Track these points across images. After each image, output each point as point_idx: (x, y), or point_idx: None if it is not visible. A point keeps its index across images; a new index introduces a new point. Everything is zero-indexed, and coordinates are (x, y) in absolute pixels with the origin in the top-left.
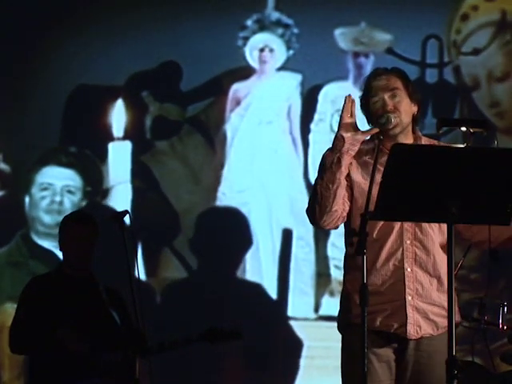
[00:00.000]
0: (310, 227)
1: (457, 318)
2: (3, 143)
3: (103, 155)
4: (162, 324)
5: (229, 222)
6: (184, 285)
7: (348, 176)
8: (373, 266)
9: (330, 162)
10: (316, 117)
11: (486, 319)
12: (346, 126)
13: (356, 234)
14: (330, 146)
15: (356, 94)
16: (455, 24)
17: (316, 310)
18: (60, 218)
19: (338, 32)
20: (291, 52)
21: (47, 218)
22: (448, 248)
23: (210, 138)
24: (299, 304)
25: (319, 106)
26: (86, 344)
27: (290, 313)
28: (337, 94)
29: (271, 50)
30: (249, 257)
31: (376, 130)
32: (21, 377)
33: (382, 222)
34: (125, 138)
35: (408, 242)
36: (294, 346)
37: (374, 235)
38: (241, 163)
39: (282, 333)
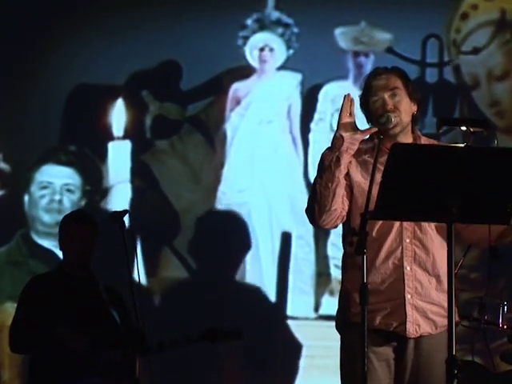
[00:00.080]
0: (310, 227)
1: (456, 317)
2: (3, 143)
3: (103, 154)
4: (161, 323)
5: (229, 221)
6: (184, 284)
7: (347, 175)
8: (372, 264)
9: (329, 161)
10: (316, 116)
11: (485, 319)
12: (344, 125)
13: (356, 233)
14: (330, 145)
15: (356, 94)
16: (455, 23)
17: (316, 309)
18: (60, 217)
19: (338, 31)
20: (291, 51)
21: (47, 217)
22: (448, 248)
23: (210, 137)
24: (299, 303)
25: (319, 106)
26: (86, 343)
27: (290, 312)
28: (337, 94)
29: (271, 50)
30: (249, 256)
31: (375, 130)
32: (20, 376)
33: (381, 221)
34: (125, 137)
35: (407, 240)
36: (294, 346)
37: (374, 234)
38: (241, 162)
39: (282, 333)
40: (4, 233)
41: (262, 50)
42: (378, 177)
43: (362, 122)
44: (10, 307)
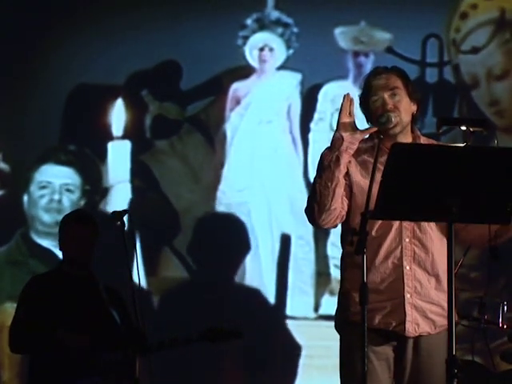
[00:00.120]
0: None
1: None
2: (3, 143)
3: (103, 154)
4: (161, 323)
5: (228, 221)
6: (184, 284)
7: (347, 174)
8: (371, 263)
9: (329, 160)
10: (316, 116)
11: (485, 318)
12: (344, 124)
13: (356, 233)
14: (329, 144)
15: (356, 93)
16: (454, 22)
17: (316, 309)
18: (59, 217)
19: (337, 31)
20: (291, 51)
21: (46, 217)
22: (448, 247)
23: (210, 137)
24: (299, 303)
25: (319, 105)
26: (86, 343)
27: (289, 312)
28: (337, 93)
29: (271, 49)
30: (248, 256)
31: (374, 129)
32: (19, 376)
33: (380, 221)
34: (125, 137)
35: (407, 240)
36: (294, 346)
37: (373, 233)
38: (241, 162)
39: (282, 332)
40: (3, 232)
41: (261, 49)
42: (378, 176)
43: (361, 122)
44: (10, 307)
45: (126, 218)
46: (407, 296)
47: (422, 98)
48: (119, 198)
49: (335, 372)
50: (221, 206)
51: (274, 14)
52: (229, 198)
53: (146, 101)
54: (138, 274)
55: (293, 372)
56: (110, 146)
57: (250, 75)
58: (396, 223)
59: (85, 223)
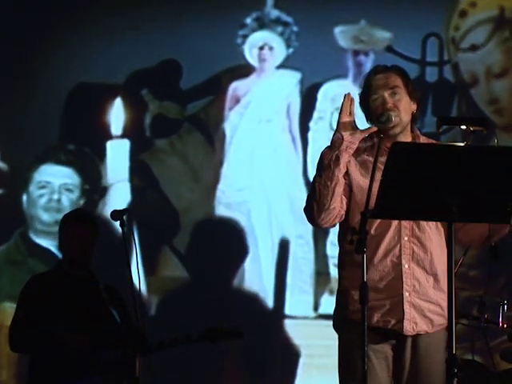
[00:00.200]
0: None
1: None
2: (2, 142)
3: (102, 153)
4: (161, 323)
5: (228, 221)
6: (183, 283)
7: (346, 174)
8: (370, 261)
9: (329, 159)
10: (315, 115)
11: (485, 317)
12: (344, 124)
13: (356, 232)
14: (329, 144)
15: (355, 92)
16: (453, 21)
17: (315, 308)
18: (58, 216)
19: (337, 30)
20: (291, 50)
21: (45, 216)
22: (448, 247)
23: (210, 136)
24: (298, 303)
25: (319, 104)
26: (86, 343)
27: (289, 312)
28: (336, 92)
29: (271, 48)
30: (248, 255)
31: (374, 129)
32: (17, 376)
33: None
34: (124, 136)
35: (406, 238)
36: (294, 345)
37: (372, 231)
38: (240, 161)
39: (282, 332)
40: (3, 232)
41: (261, 48)
42: (378, 176)
43: (361, 121)
44: (9, 307)
45: (125, 218)
46: (406, 294)
47: (422, 98)
48: (118, 197)
49: (335, 371)
50: (220, 206)
51: (274, 13)
52: (228, 197)
53: (145, 100)
54: (138, 273)
55: (293, 371)
56: (109, 145)
57: (249, 74)
58: (395, 222)
59: (85, 222)
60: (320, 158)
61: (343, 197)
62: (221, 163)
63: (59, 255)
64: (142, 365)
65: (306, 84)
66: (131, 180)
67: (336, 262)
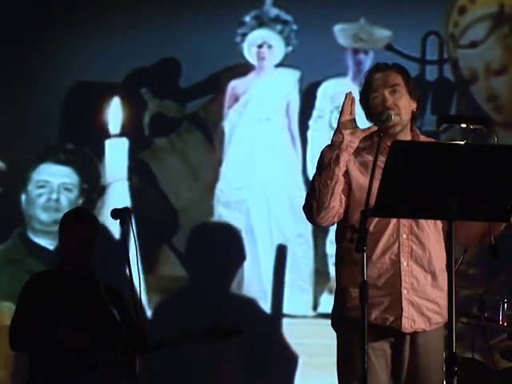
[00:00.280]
0: (309, 224)
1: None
2: (1, 142)
3: (101, 152)
4: (160, 322)
5: (227, 219)
6: (182, 282)
7: (346, 172)
8: (369, 259)
9: (329, 158)
10: (315, 113)
11: (485, 316)
12: (345, 123)
13: (356, 230)
14: (329, 142)
15: (355, 91)
16: (453, 17)
17: (315, 307)
18: (57, 216)
19: (337, 28)
20: (290, 48)
21: (44, 216)
22: (448, 245)
23: (209, 134)
24: (298, 302)
25: (318, 103)
26: (86, 342)
27: (288, 311)
28: (336, 91)
29: (270, 47)
30: (247, 254)
31: (375, 129)
32: (14, 376)
33: None
34: (123, 134)
35: (404, 236)
36: (293, 345)
37: (371, 229)
38: (239, 160)
39: (281, 331)
40: (1, 231)
41: (260, 46)
42: (378, 174)
43: (361, 120)
44: (8, 307)
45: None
46: (404, 292)
47: (422, 96)
48: (117, 196)
49: (335, 370)
50: (219, 204)
51: (273, 11)
52: (227, 196)
53: (145, 98)
54: (138, 273)
55: (292, 371)
56: (108, 144)
57: (248, 72)
58: (394, 219)
59: (85, 222)
60: (320, 157)
61: (342, 195)
62: (220, 162)
63: (58, 255)
64: (142, 364)
65: (305, 82)
66: (130, 179)
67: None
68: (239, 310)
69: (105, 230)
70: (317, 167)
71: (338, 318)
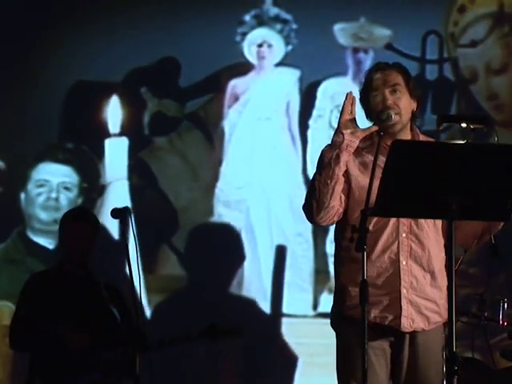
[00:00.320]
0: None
1: (446, 315)
2: (0, 141)
3: (101, 152)
4: (159, 321)
5: (227, 219)
6: (182, 282)
7: (345, 172)
8: (368, 258)
9: (329, 158)
10: (315, 113)
11: (485, 315)
12: (345, 122)
13: (356, 230)
14: (329, 142)
15: (355, 90)
16: (453, 16)
17: (315, 307)
18: (56, 215)
19: (337, 27)
20: (290, 48)
21: (43, 215)
22: (449, 245)
23: (209, 134)
24: (298, 301)
25: (318, 102)
26: (86, 341)
27: (288, 310)
28: (336, 90)
29: (270, 46)
30: (247, 254)
31: (375, 129)
32: (12, 376)
33: None
34: (123, 134)
35: (404, 235)
36: (293, 344)
37: (370, 227)
38: (239, 159)
39: (281, 331)
40: (1, 231)
41: (260, 46)
42: (378, 174)
43: (361, 120)
44: (7, 306)
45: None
46: (403, 291)
47: (422, 95)
48: (117, 195)
49: (335, 370)
50: (219, 204)
51: (273, 11)
52: (227, 195)
53: (144, 98)
54: (138, 272)
55: (292, 370)
56: (107, 143)
57: (248, 72)
58: (393, 218)
59: (85, 221)
60: (320, 157)
61: (342, 195)
62: (220, 161)
63: (57, 254)
64: (143, 363)
65: (305, 82)
66: (130, 178)
67: None
68: (239, 309)
69: (104, 230)
70: (317, 167)
71: (338, 317)
